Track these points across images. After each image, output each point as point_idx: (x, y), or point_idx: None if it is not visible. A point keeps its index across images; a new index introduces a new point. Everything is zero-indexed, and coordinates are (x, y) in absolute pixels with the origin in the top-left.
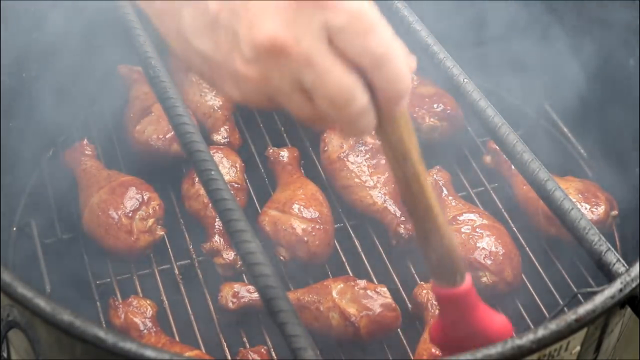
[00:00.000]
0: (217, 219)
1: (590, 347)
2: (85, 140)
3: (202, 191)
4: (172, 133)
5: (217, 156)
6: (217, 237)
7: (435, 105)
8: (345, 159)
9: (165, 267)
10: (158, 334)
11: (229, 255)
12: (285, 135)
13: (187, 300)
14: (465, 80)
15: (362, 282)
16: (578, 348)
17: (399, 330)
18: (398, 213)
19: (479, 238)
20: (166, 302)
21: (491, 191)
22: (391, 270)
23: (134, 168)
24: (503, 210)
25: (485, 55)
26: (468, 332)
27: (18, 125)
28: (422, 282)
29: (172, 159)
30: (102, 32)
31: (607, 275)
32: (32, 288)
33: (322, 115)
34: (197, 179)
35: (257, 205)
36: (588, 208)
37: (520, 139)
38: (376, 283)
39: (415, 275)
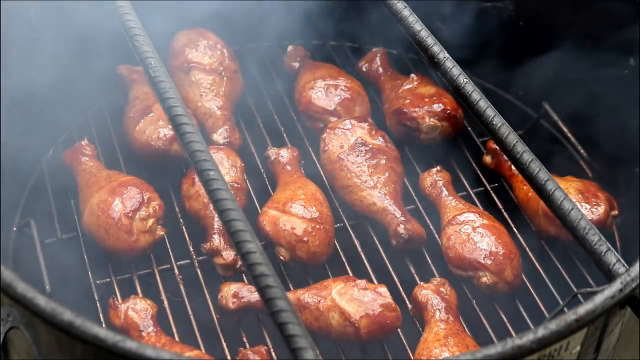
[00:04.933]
0: (217, 219)
1: (590, 347)
2: (85, 140)
3: (202, 191)
4: (172, 133)
5: (217, 156)
6: (217, 237)
7: (435, 105)
8: (345, 159)
9: (165, 267)
10: (158, 334)
11: (229, 255)
12: (285, 135)
13: (187, 300)
14: (465, 80)
15: (362, 282)
16: (578, 348)
17: (399, 330)
18: (398, 213)
19: (479, 238)
20: (166, 302)
21: (491, 191)
22: (391, 270)
23: (134, 168)
24: (503, 210)
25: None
26: None
27: (18, 125)
28: (422, 282)
29: (172, 159)
30: (102, 32)
31: (607, 275)
32: (32, 288)
33: None
34: (197, 179)
35: (257, 205)
36: (588, 208)
37: (520, 139)
38: (376, 283)
39: (415, 275)
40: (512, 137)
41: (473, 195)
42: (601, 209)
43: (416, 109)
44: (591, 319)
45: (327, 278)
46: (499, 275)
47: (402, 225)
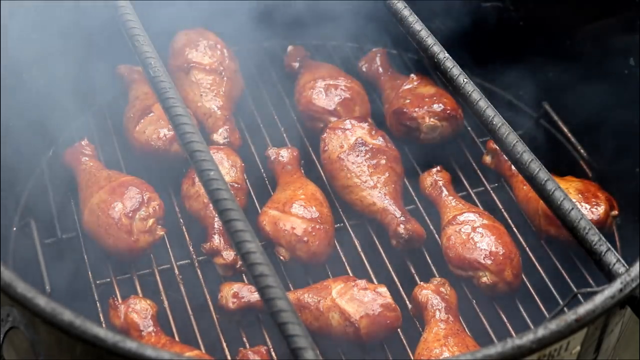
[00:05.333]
0: (217, 219)
1: (590, 347)
2: (85, 140)
3: (202, 191)
4: (172, 133)
5: (217, 156)
6: (217, 237)
7: (435, 105)
8: (345, 159)
9: (165, 267)
10: (158, 334)
11: (229, 255)
12: (285, 135)
13: (187, 300)
14: (465, 80)
15: (362, 282)
16: (578, 348)
17: (399, 330)
18: (398, 213)
19: (479, 238)
20: (166, 302)
21: (491, 191)
22: (391, 270)
23: (134, 168)
24: (503, 210)
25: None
26: None
27: (18, 125)
28: (422, 282)
29: (172, 159)
30: (102, 32)
31: (607, 275)
32: (32, 288)
33: None
34: (197, 179)
35: (257, 205)
36: (588, 208)
37: (520, 139)
38: (376, 283)
39: (415, 275)
40: (512, 137)
41: (473, 195)
42: (601, 209)
43: (416, 109)
44: (591, 319)
45: (327, 278)
46: (499, 275)
47: (402, 225)
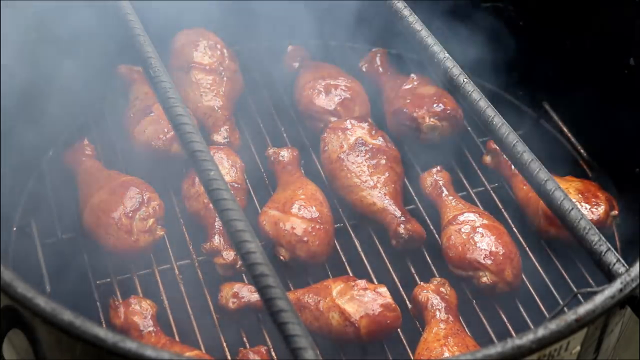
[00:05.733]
0: (217, 219)
1: (590, 347)
2: (85, 140)
3: (202, 191)
4: (172, 133)
5: (217, 156)
6: (217, 237)
7: (435, 105)
8: (345, 159)
9: (165, 267)
10: (158, 334)
11: (229, 255)
12: (285, 135)
13: (187, 300)
14: (465, 80)
15: (362, 282)
16: (578, 348)
17: (399, 330)
18: (398, 213)
19: (479, 238)
20: (166, 302)
21: (491, 191)
22: (391, 270)
23: (134, 168)
24: (503, 210)
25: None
26: None
27: (18, 125)
28: (422, 282)
29: (172, 159)
30: (102, 32)
31: (607, 275)
32: (32, 288)
33: None
34: (197, 179)
35: (257, 205)
36: (588, 208)
37: (520, 139)
38: (376, 283)
39: (415, 275)
40: (512, 137)
41: (473, 195)
42: (601, 209)
43: (416, 109)
44: (591, 319)
45: (327, 278)
46: (499, 275)
47: (402, 225)
